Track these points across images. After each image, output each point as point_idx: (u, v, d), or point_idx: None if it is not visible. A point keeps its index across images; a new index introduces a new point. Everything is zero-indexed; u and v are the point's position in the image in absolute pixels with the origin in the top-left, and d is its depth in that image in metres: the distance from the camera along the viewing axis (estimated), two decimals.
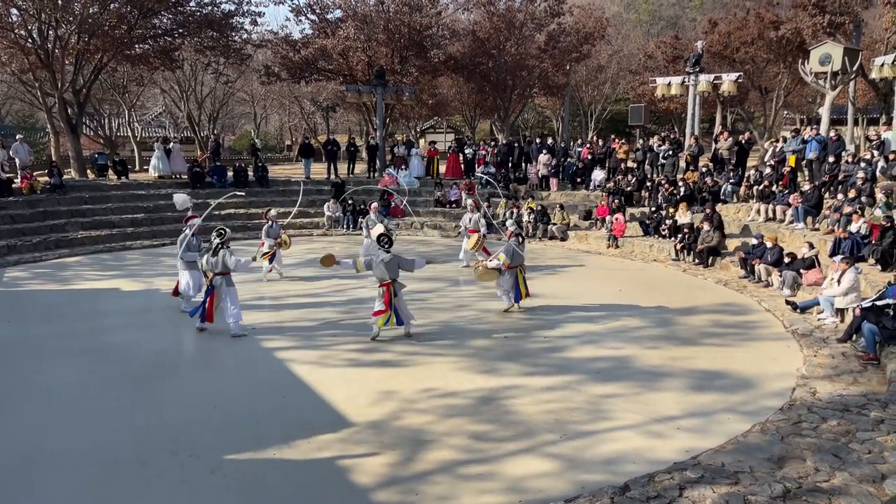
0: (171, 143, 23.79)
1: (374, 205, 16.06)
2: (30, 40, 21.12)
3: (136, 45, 23.78)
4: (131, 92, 35.36)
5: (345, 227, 20.40)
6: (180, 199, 12.25)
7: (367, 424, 6.64)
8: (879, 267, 11.23)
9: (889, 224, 11.45)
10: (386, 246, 9.37)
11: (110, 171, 22.92)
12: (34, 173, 19.98)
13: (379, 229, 13.48)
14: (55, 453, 6.02)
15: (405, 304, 9.60)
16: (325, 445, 6.17)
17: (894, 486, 4.64)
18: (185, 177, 22.30)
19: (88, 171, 23.61)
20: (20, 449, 6.11)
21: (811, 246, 12.05)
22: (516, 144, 24.24)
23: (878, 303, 8.60)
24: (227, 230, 9.89)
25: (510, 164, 23.27)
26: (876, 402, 6.77)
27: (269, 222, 13.52)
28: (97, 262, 15.47)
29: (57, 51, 21.36)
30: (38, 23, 20.79)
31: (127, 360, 8.62)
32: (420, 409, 7.02)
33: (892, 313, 8.28)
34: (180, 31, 24.40)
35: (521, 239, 11.12)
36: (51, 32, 21.10)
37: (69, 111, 22.76)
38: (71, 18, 20.82)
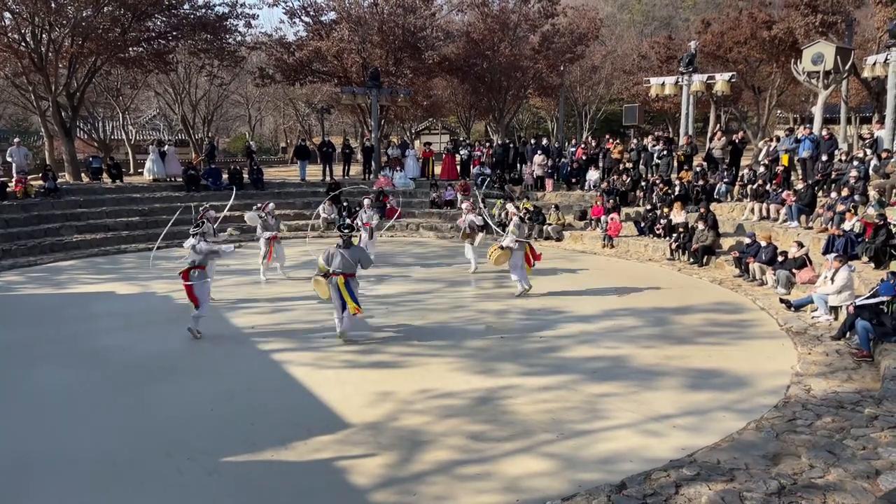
0: (166, 146, 23.73)
1: (367, 201, 15.94)
2: (23, 44, 21.07)
3: (130, 48, 23.73)
4: (125, 95, 35.26)
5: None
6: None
7: (363, 425, 6.64)
8: (873, 265, 11.29)
9: (882, 222, 11.51)
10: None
11: (105, 175, 22.86)
12: (28, 177, 19.90)
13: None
14: (50, 456, 6.01)
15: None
16: (321, 447, 6.17)
17: (888, 481, 4.66)
18: (180, 180, 22.27)
19: (83, 175, 23.55)
20: (15, 452, 6.09)
21: (800, 245, 12.09)
22: (511, 145, 24.30)
23: (872, 300, 8.66)
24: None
25: (505, 165, 23.31)
26: (870, 398, 6.81)
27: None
28: (92, 266, 15.43)
29: (50, 54, 21.31)
30: (32, 26, 20.74)
31: (122, 362, 8.60)
32: (417, 409, 7.03)
33: (885, 310, 8.33)
34: (174, 33, 24.37)
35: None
36: (44, 36, 21.04)
37: (63, 114, 22.70)
38: (64, 22, 20.77)
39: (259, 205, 14.23)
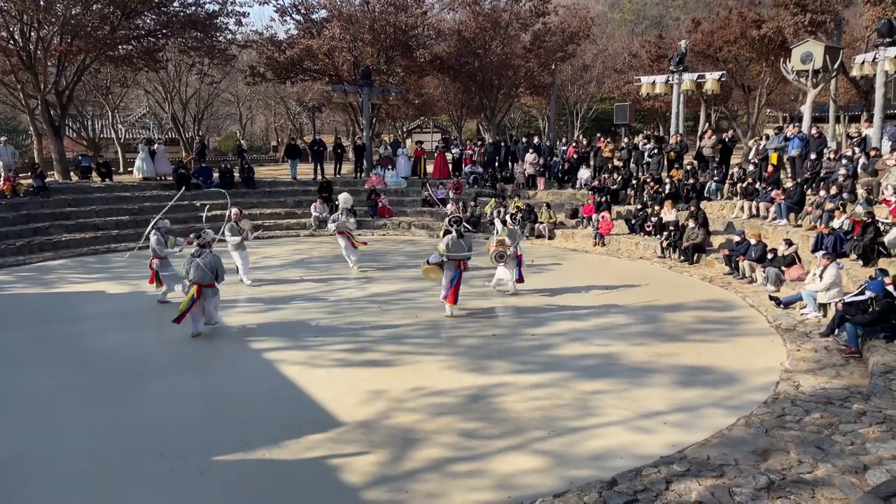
0: (156, 145, 23.59)
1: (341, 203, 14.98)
2: (11, 42, 20.88)
3: (120, 46, 23.54)
4: (115, 93, 35.04)
5: None
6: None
7: (356, 424, 6.65)
8: (861, 262, 11.39)
9: (870, 220, 11.62)
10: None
11: (94, 174, 22.72)
12: (17, 176, 19.74)
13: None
14: (41, 457, 5.98)
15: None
16: (314, 445, 6.18)
17: (876, 476, 4.71)
18: (171, 178, 22.14)
19: (72, 174, 23.38)
20: (6, 452, 6.07)
21: (789, 243, 12.19)
22: (503, 144, 24.31)
23: (858, 297, 8.74)
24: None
25: (497, 164, 23.34)
26: (858, 394, 6.89)
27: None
28: (82, 265, 15.34)
29: (39, 52, 21.14)
30: (20, 24, 20.56)
31: (113, 362, 8.57)
32: (409, 407, 7.04)
33: (871, 307, 8.41)
34: (164, 31, 24.20)
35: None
36: (33, 34, 20.88)
37: (52, 113, 22.52)
38: (53, 19, 20.60)
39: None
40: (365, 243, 15.10)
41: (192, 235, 11.16)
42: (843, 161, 15.25)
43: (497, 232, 15.10)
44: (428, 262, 11.28)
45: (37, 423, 6.73)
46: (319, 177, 23.51)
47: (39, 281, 13.66)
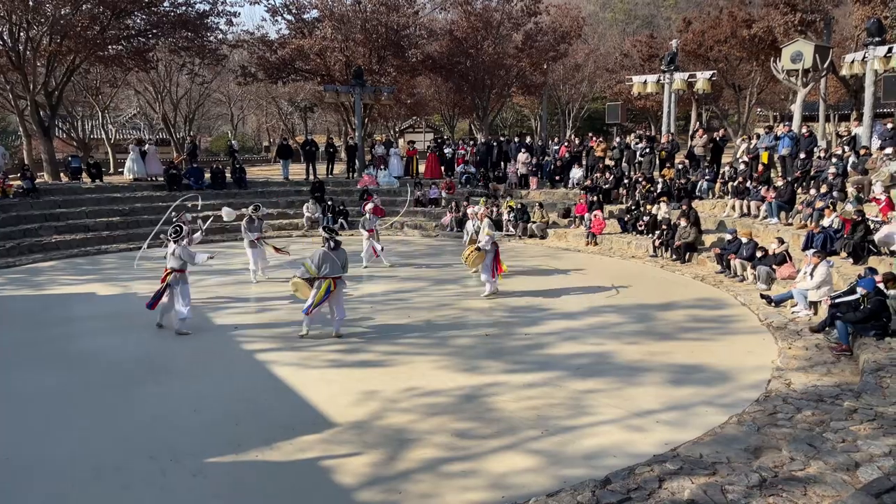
0: (147, 145, 23.45)
1: (370, 206, 15.17)
2: (0, 42, 20.73)
3: (109, 46, 23.43)
4: (105, 93, 34.85)
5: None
6: (227, 212, 14.22)
7: (349, 425, 6.63)
8: (851, 260, 11.46)
9: (860, 218, 11.69)
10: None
11: (84, 174, 22.57)
12: (7, 177, 19.59)
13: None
14: (32, 460, 5.93)
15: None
16: (307, 446, 6.15)
17: (868, 473, 4.73)
18: (161, 179, 22.03)
19: (62, 175, 23.24)
20: None
21: (781, 241, 12.26)
22: (495, 143, 24.33)
23: (848, 297, 8.79)
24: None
25: (489, 163, 23.34)
26: (849, 392, 6.91)
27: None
28: (72, 267, 15.23)
29: (28, 52, 21.01)
30: (9, 24, 20.43)
31: (104, 364, 8.51)
32: (402, 408, 7.03)
33: (861, 305, 8.45)
34: (154, 31, 24.11)
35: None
36: (22, 34, 20.74)
37: (41, 114, 22.38)
38: (42, 20, 20.48)
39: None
40: (286, 252, 13.88)
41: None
42: (833, 160, 15.33)
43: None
44: (478, 248, 11.69)
45: (26, 426, 6.67)
46: (311, 177, 23.45)
47: (29, 283, 13.56)
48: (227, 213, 14.28)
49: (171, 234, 9.93)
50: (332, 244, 9.43)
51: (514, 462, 5.81)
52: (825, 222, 12.58)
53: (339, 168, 26.28)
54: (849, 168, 14.87)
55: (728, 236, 13.62)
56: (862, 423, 5.85)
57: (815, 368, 7.87)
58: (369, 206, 15.08)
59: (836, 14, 27.01)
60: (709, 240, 15.20)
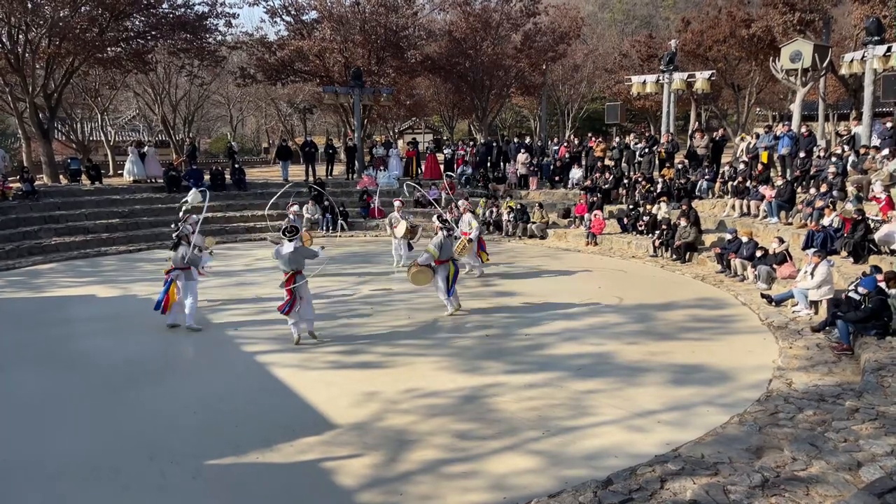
0: (146, 147, 23.47)
1: (398, 203, 15.93)
2: None
3: (108, 48, 23.41)
4: (104, 96, 34.84)
5: (323, 228, 20.26)
6: (192, 196, 13.45)
7: (349, 426, 6.61)
8: (851, 259, 11.45)
9: (860, 217, 11.68)
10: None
11: (83, 176, 22.56)
12: (6, 179, 19.58)
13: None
14: (30, 462, 5.91)
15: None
16: (307, 448, 6.13)
17: (870, 473, 4.72)
18: (161, 181, 22.02)
19: (61, 177, 23.22)
20: None
21: (781, 241, 12.25)
22: (494, 144, 24.33)
23: (851, 296, 8.78)
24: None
25: (489, 164, 23.34)
26: (850, 391, 6.90)
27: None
28: (71, 269, 15.21)
29: (27, 55, 20.99)
30: (8, 26, 20.42)
31: (104, 366, 8.49)
32: (403, 409, 7.01)
33: (864, 304, 8.44)
34: (153, 33, 24.09)
35: (449, 232, 10.99)
36: (21, 36, 20.73)
37: (41, 116, 22.37)
38: (41, 22, 20.47)
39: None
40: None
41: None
42: (833, 159, 15.33)
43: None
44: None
45: (25, 428, 6.65)
46: (311, 178, 23.43)
47: (29, 285, 13.53)
48: (192, 197, 13.39)
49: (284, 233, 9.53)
50: (447, 232, 10.68)
51: (515, 463, 5.79)
52: (825, 221, 12.58)
53: (338, 169, 26.26)
54: (848, 167, 14.87)
55: (728, 236, 13.61)
56: (864, 422, 5.84)
57: (817, 368, 7.85)
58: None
59: (835, 13, 27.01)
60: (709, 239, 15.19)
